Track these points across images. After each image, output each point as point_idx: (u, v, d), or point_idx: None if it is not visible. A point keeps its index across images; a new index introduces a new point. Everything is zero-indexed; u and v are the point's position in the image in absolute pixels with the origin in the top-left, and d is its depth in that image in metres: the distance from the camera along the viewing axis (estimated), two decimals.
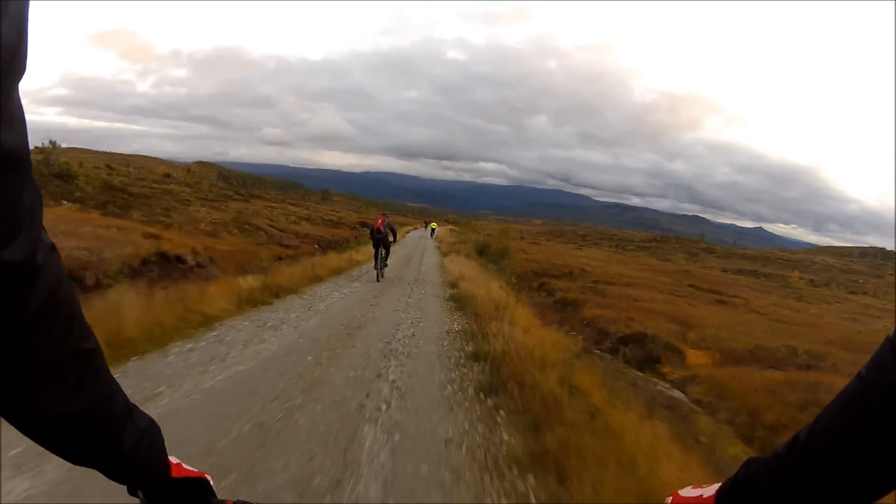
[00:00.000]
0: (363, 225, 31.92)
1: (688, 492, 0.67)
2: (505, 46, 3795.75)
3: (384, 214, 12.59)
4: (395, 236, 12.51)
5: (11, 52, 0.36)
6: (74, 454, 0.55)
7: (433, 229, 52.27)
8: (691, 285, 22.07)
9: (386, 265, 12.09)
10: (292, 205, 40.07)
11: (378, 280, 11.29)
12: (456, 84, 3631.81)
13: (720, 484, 0.64)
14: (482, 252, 24.32)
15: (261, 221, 17.37)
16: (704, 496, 0.65)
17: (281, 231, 17.56)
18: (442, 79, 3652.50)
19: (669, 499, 0.69)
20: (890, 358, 0.48)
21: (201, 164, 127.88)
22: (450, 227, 68.37)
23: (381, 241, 11.50)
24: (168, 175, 39.46)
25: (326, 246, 17.94)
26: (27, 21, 0.37)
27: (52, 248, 0.44)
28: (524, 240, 60.54)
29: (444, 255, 21.56)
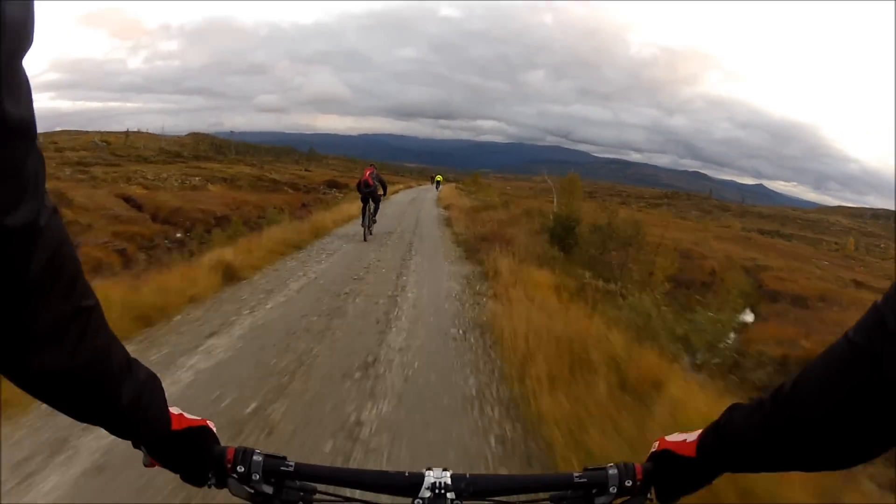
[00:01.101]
0: (332, 185, 24.19)
1: (673, 437, 0.70)
2: (499, 1, 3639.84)
3: (372, 165, 11.84)
4: (384, 189, 11.71)
5: (18, 26, 0.37)
6: (75, 410, 0.56)
7: (438, 182, 47.55)
8: (855, 281, 14.71)
9: (375, 221, 11.22)
10: (249, 166, 34.26)
11: (365, 239, 10.35)
12: (451, 41, 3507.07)
13: (703, 429, 0.67)
14: (562, 238, 12.17)
15: (95, 194, 9.89)
16: (688, 440, 0.67)
17: (137, 207, 10.06)
18: (437, 36, 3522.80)
19: (657, 443, 0.71)
20: (874, 325, 0.49)
21: (194, 135, 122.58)
22: (454, 185, 58.35)
23: (370, 196, 10.70)
24: (94, 142, 36.57)
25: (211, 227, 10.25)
26: None
27: (55, 210, 0.46)
28: (539, 198, 51.07)
29: (471, 252, 9.56)
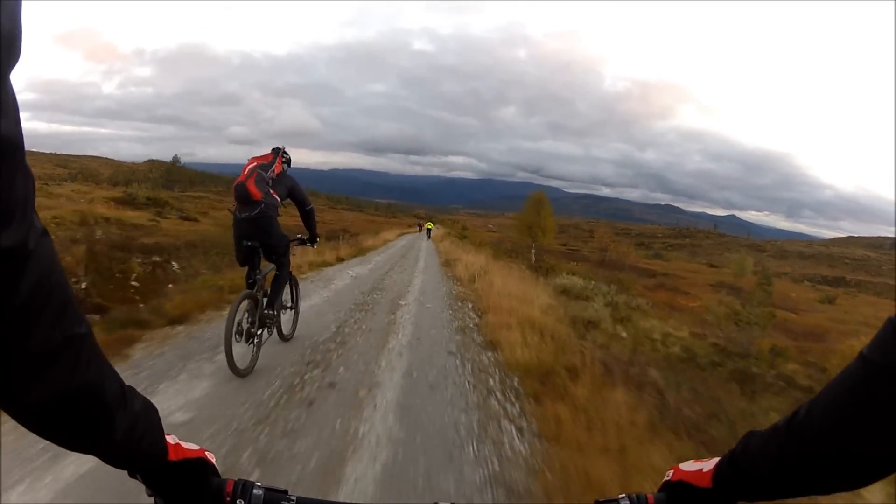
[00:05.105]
0: None
1: (688, 465, 0.68)
2: (473, 36, 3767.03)
3: (276, 151, 4.24)
4: (311, 222, 4.56)
5: (8, 41, 0.36)
6: (67, 440, 0.54)
7: (429, 230, 42.35)
8: None
9: (291, 308, 4.81)
10: None
11: (241, 374, 3.59)
12: (423, 76, 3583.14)
13: (720, 458, 0.65)
14: None
15: None
16: (704, 470, 0.65)
17: None
18: (409, 71, 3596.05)
19: (671, 472, 0.69)
20: (891, 339, 0.48)
21: (151, 162, 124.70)
22: (445, 230, 52.59)
23: (256, 231, 3.90)
24: None
25: None
26: (20, 9, 0.37)
27: (44, 232, 0.44)
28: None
29: None
